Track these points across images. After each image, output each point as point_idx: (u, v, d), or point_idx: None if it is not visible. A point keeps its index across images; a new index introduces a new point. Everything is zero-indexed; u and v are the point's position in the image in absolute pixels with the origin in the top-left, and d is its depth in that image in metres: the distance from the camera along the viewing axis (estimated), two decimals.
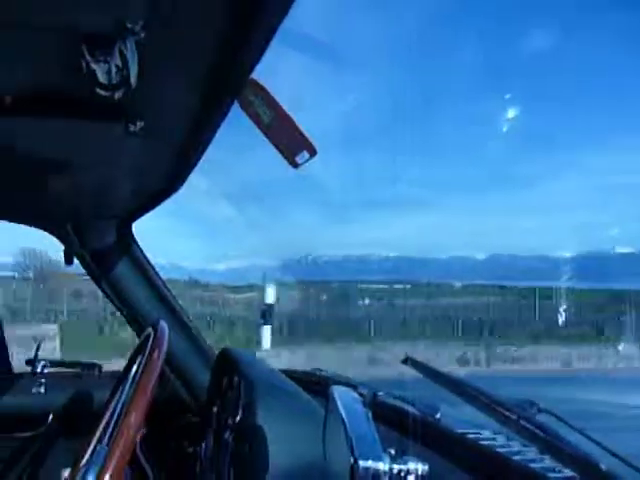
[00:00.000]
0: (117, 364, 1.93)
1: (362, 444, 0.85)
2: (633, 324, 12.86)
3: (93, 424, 1.22)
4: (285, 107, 0.87)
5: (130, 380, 1.19)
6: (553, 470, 0.99)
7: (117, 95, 0.80)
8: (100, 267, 1.87)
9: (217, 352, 1.80)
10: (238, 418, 1.22)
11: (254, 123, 0.89)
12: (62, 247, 1.84)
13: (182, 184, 1.40)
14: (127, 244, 1.87)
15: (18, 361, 2.07)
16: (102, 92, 0.79)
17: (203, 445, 1.56)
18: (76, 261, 1.89)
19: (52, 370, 2.00)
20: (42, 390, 1.95)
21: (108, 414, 1.21)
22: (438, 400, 1.32)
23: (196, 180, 1.43)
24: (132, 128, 0.96)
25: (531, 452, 1.09)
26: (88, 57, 0.73)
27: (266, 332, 10.33)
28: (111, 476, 0.88)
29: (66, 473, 1.10)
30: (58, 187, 1.41)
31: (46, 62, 0.80)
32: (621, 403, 6.06)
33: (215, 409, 1.54)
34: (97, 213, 1.71)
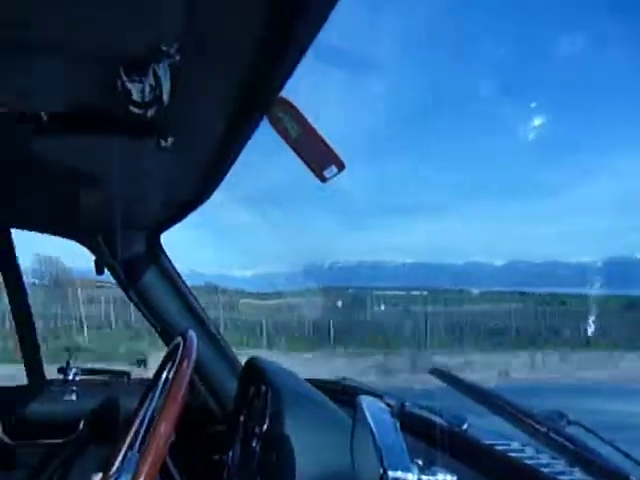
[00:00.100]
0: None
1: (391, 454, 0.86)
2: None
3: (122, 431, 1.25)
4: (312, 121, 0.89)
5: (160, 388, 1.21)
6: None
7: (149, 113, 0.82)
8: (129, 277, 1.91)
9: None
10: (265, 427, 1.22)
11: (282, 138, 0.91)
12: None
13: (210, 196, 1.43)
14: (156, 255, 1.90)
15: None
16: (135, 110, 0.81)
17: (230, 453, 1.57)
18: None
19: (83, 377, 2.05)
20: (74, 397, 1.99)
21: (138, 421, 1.23)
22: (464, 410, 1.31)
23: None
24: (163, 143, 0.99)
25: (560, 464, 1.08)
26: (124, 77, 0.76)
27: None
28: None
29: (96, 478, 1.12)
30: (91, 200, 1.45)
31: (83, 81, 0.83)
32: None
33: (242, 418, 1.55)
34: (127, 225, 1.75)
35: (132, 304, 2.00)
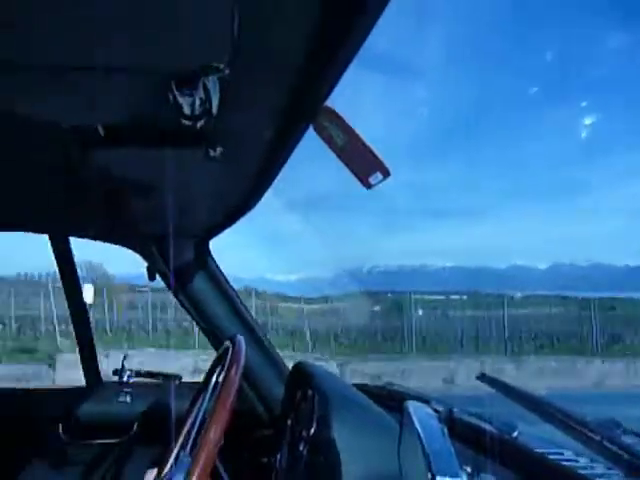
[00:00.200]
0: None
1: (439, 460, 0.85)
2: None
3: (173, 433, 1.29)
4: (358, 130, 0.90)
5: (210, 392, 1.24)
6: None
7: (199, 124, 0.85)
8: (179, 283, 1.97)
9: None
10: (312, 431, 1.23)
11: (327, 145, 0.92)
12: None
13: (257, 203, 1.46)
14: (205, 261, 1.95)
15: None
16: (186, 122, 0.85)
17: (278, 457, 1.58)
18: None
19: (136, 380, 2.12)
20: (128, 399, 2.06)
21: (189, 423, 1.26)
22: (515, 417, 1.29)
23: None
24: (212, 154, 1.02)
25: (616, 475, 1.04)
26: (175, 92, 0.79)
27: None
28: None
29: (151, 474, 1.15)
30: (144, 209, 1.51)
31: (137, 96, 0.86)
32: None
33: (289, 422, 1.56)
34: (178, 232, 1.80)
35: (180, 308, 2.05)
